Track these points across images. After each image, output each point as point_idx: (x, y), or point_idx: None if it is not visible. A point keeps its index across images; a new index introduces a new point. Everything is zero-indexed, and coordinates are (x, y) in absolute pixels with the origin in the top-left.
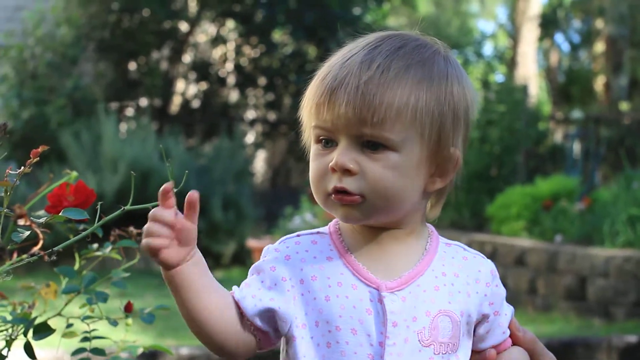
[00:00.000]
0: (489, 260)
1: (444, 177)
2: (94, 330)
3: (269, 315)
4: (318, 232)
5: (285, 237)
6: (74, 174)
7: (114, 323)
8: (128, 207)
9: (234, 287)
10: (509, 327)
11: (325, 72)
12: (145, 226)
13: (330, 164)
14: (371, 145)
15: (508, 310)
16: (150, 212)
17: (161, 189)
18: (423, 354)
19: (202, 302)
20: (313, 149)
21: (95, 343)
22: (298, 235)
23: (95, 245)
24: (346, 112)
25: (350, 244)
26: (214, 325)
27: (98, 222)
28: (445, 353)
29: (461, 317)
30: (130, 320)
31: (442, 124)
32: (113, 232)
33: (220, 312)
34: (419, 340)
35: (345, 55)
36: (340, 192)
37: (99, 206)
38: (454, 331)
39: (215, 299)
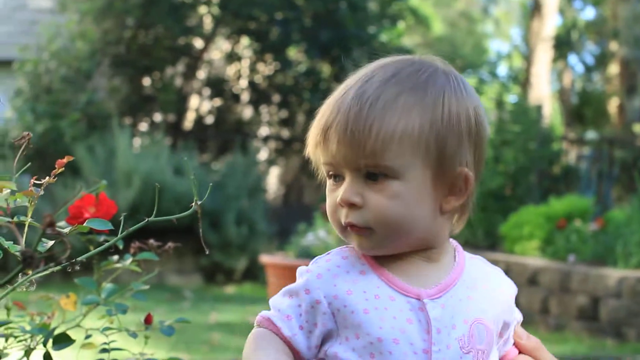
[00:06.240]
0: (507, 277)
1: (458, 196)
2: (112, 341)
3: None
4: (348, 247)
5: (316, 257)
6: (103, 183)
7: (134, 335)
8: (152, 218)
9: (276, 319)
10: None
11: (322, 111)
12: None
13: (337, 200)
14: (371, 176)
15: (519, 315)
16: None
17: None
18: None
19: None
20: (327, 184)
21: (114, 355)
22: (328, 254)
23: (116, 257)
24: (339, 150)
25: (381, 259)
26: None
27: (121, 233)
28: None
29: (493, 326)
30: (149, 333)
31: (442, 145)
32: (133, 244)
33: None
34: (460, 347)
35: (342, 90)
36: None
37: (122, 217)
38: (488, 339)
39: None
